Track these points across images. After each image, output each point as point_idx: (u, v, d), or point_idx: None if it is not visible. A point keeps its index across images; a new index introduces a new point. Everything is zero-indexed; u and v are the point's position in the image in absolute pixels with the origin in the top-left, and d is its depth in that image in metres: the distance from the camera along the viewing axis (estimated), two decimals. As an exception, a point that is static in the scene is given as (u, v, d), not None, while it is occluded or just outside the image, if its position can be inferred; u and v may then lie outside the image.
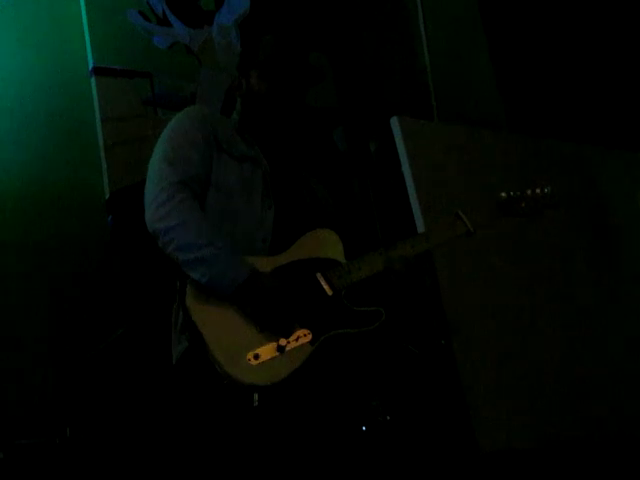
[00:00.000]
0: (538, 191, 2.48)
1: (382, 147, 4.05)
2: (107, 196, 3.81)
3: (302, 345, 2.16)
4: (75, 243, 3.70)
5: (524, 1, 4.72)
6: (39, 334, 3.52)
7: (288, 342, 2.14)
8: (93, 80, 3.89)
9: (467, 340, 3.50)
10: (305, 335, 2.17)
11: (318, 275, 2.26)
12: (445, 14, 5.01)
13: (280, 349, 2.12)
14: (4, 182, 3.63)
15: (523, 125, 4.62)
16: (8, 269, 3.55)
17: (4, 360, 3.43)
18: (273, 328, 2.15)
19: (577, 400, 3.68)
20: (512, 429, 3.45)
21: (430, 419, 3.49)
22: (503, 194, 2.46)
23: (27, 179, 3.69)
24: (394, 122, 3.72)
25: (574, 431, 3.61)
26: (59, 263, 3.64)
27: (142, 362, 3.46)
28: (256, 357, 2.10)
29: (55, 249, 3.67)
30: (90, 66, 3.91)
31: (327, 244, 2.35)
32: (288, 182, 2.44)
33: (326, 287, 2.25)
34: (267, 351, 2.12)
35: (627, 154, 4.40)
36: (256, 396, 2.08)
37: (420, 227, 3.57)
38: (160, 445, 3.21)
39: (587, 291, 3.97)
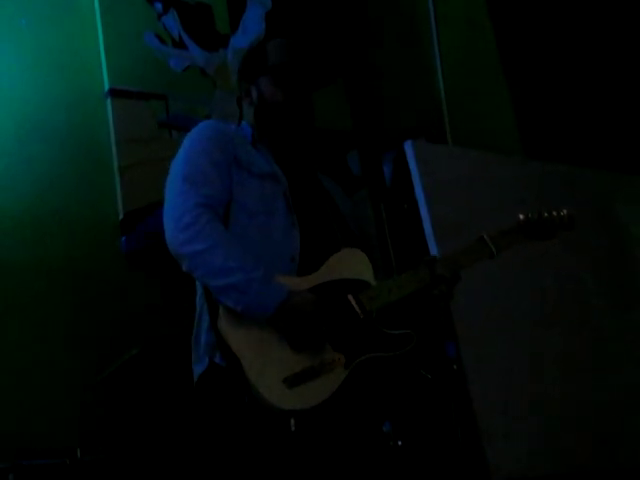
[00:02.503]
0: (555, 213, 2.51)
1: (396, 171, 4.05)
2: (121, 217, 3.82)
3: (336, 369, 2.14)
4: (89, 264, 3.70)
5: (540, 28, 4.73)
6: (52, 354, 3.52)
7: (323, 366, 2.12)
8: (109, 101, 3.91)
9: (480, 365, 3.47)
10: (339, 359, 2.15)
11: (350, 297, 2.23)
12: (460, 37, 5.03)
13: (315, 373, 2.10)
14: (18, 202, 3.65)
15: (539, 150, 4.61)
16: (21, 291, 3.56)
17: (15, 382, 3.43)
18: (309, 350, 2.12)
19: (594, 428, 3.64)
20: (525, 457, 3.42)
21: (442, 445, 3.46)
22: (521, 216, 2.48)
23: (41, 199, 3.70)
24: (408, 146, 3.72)
25: (590, 460, 3.57)
26: (73, 284, 3.64)
27: (154, 383, 3.45)
28: (292, 382, 2.08)
29: (69, 270, 3.67)
30: (106, 88, 3.93)
31: (356, 264, 2.32)
32: (308, 195, 2.40)
33: (358, 309, 2.22)
34: (302, 376, 2.09)
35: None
36: (293, 421, 2.06)
37: (433, 250, 3.56)
38: (178, 466, 3.19)
39: (602, 317, 3.94)
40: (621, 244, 4.20)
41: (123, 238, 3.79)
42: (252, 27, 4.46)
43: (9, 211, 3.61)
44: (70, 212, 3.73)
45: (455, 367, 3.51)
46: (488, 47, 4.99)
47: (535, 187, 3.94)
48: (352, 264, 2.31)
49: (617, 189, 4.28)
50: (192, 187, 2.22)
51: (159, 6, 4.20)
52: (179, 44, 4.22)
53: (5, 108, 3.70)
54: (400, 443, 3.31)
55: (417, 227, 3.66)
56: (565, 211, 2.53)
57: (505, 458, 3.37)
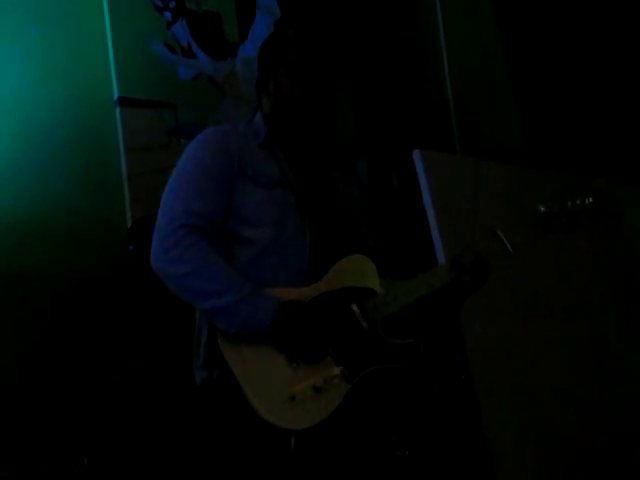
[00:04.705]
0: (579, 202, 2.34)
1: (404, 180, 4.05)
2: (129, 225, 3.82)
3: (339, 384, 2.07)
4: (96, 272, 3.70)
5: (547, 34, 4.73)
6: (56, 363, 3.52)
7: (324, 381, 2.05)
8: (118, 110, 3.92)
9: (489, 376, 3.46)
10: (342, 372, 2.08)
11: (353, 307, 2.15)
12: (468, 45, 5.02)
13: (316, 389, 2.04)
14: (27, 211, 3.65)
15: (546, 160, 4.60)
16: (27, 298, 3.56)
17: (21, 389, 3.43)
18: (308, 363, 2.06)
19: (609, 447, 3.61)
20: (535, 470, 3.40)
21: (450, 454, 3.45)
22: (542, 208, 2.34)
23: (50, 208, 3.70)
24: (416, 155, 3.70)
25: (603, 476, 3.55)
26: (80, 292, 3.64)
27: (162, 391, 3.45)
28: (292, 399, 2.01)
29: (75, 277, 3.67)
30: (115, 96, 3.94)
31: (362, 271, 2.24)
32: (319, 199, 2.32)
33: (361, 320, 2.14)
34: (303, 392, 2.03)
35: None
36: (293, 439, 2.00)
37: (441, 260, 3.55)
38: (182, 475, 3.19)
39: (615, 330, 3.92)
40: (630, 255, 4.17)
41: (131, 246, 3.80)
42: (261, 36, 4.45)
43: (17, 220, 3.61)
44: (79, 220, 3.73)
45: (463, 377, 3.52)
46: (497, 56, 4.99)
47: (543, 197, 3.92)
48: (358, 271, 2.23)
49: (625, 200, 4.26)
50: (182, 203, 2.17)
51: (168, 15, 4.21)
52: (188, 53, 4.22)
53: (14, 117, 3.70)
54: (407, 453, 3.31)
55: (425, 236, 3.65)
56: (590, 199, 2.33)
57: (514, 469, 3.35)
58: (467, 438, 3.46)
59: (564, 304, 3.81)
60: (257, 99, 2.42)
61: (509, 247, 2.27)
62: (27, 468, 3.00)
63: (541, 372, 3.62)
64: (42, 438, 3.35)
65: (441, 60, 5.00)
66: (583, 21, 4.62)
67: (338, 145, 4.34)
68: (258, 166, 2.27)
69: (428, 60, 5.02)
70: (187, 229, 2.12)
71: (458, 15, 5.08)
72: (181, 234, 2.11)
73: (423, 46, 5.05)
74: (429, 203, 3.64)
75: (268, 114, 2.35)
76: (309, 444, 2.04)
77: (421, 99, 4.89)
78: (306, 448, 2.04)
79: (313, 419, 2.01)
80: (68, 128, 3.81)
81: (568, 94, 4.68)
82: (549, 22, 4.76)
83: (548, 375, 3.63)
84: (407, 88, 4.84)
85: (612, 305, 3.98)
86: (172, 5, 4.22)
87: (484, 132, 4.87)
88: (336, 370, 2.07)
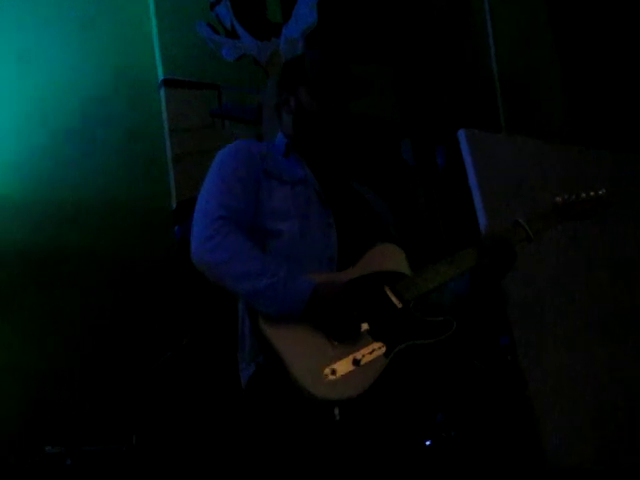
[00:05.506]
0: (592, 193, 2.55)
1: (449, 159, 4.02)
2: (174, 206, 3.85)
3: (377, 358, 2.15)
4: (142, 253, 3.74)
5: (595, 12, 4.66)
6: (105, 343, 3.57)
7: (363, 355, 2.13)
8: (162, 92, 3.95)
9: (535, 355, 3.43)
10: (379, 348, 2.16)
11: (386, 288, 2.26)
12: (514, 23, 4.96)
13: (356, 362, 2.12)
14: (73, 193, 3.70)
15: (592, 138, 4.55)
16: (74, 279, 3.61)
17: (70, 368, 3.49)
18: (346, 339, 2.14)
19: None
20: (582, 448, 3.37)
21: (497, 435, 3.44)
22: (558, 198, 2.53)
23: (95, 189, 3.76)
24: (461, 135, 3.68)
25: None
26: (126, 273, 3.69)
27: (208, 372, 3.48)
28: (333, 372, 2.10)
29: (122, 258, 3.72)
30: (160, 78, 3.96)
31: (392, 257, 2.36)
32: (342, 197, 2.44)
33: (395, 300, 2.25)
34: (343, 365, 2.11)
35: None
36: (337, 410, 2.09)
37: (486, 240, 3.52)
38: (228, 454, 3.22)
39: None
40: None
41: (176, 227, 3.83)
42: (304, 16, 4.46)
43: (64, 202, 3.66)
44: (124, 202, 3.78)
45: (509, 357, 3.50)
46: (543, 32, 4.92)
47: (589, 175, 3.88)
48: (387, 258, 2.35)
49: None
50: (216, 200, 2.28)
51: (212, -4, 4.22)
52: (232, 34, 4.23)
53: (59, 100, 3.75)
54: (453, 434, 3.31)
55: (470, 215, 3.63)
56: (603, 190, 2.57)
57: (561, 448, 3.33)
58: (514, 418, 3.45)
59: (610, 288, 3.76)
60: (277, 116, 2.57)
61: (531, 234, 2.45)
62: (78, 445, 3.06)
63: (589, 356, 3.58)
64: (92, 417, 3.41)
65: (486, 37, 4.95)
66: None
67: (383, 126, 4.34)
68: (281, 169, 2.41)
69: (473, 38, 4.98)
70: (223, 221, 2.24)
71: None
72: (218, 225, 2.23)
73: (468, 23, 5.00)
74: (474, 182, 3.61)
75: (289, 130, 2.50)
76: (353, 417, 2.12)
77: (466, 77, 4.85)
78: (350, 421, 2.11)
79: (353, 390, 2.09)
80: (113, 110, 3.86)
81: (615, 71, 4.61)
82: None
83: (595, 358, 3.60)
84: (452, 66, 4.81)
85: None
86: (216, -14, 4.23)
87: (530, 110, 4.82)
88: (374, 345, 2.16)
